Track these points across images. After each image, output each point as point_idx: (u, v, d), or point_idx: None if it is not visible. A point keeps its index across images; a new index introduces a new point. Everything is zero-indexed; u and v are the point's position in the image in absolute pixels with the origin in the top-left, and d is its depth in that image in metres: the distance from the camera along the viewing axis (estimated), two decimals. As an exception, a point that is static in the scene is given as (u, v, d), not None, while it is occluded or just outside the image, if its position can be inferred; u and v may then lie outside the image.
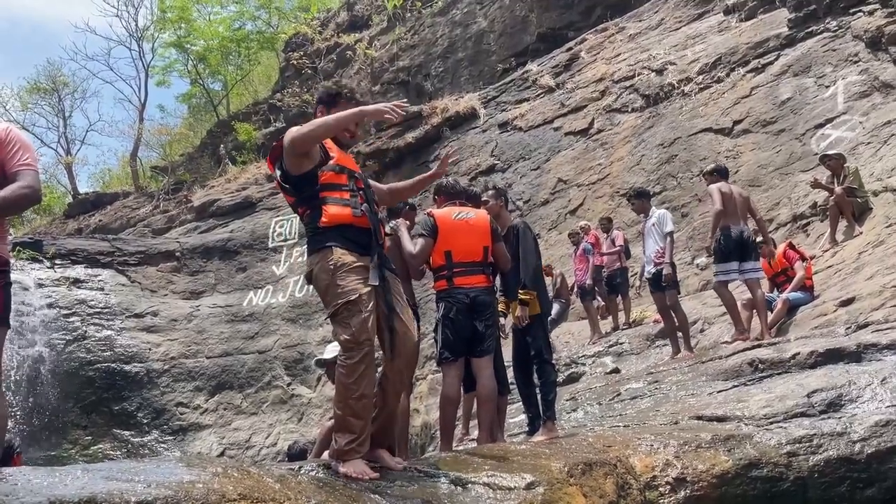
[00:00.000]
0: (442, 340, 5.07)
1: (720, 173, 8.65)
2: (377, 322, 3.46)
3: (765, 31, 13.93)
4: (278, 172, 3.66)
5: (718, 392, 5.79)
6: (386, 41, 22.23)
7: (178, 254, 17.49)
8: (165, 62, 29.94)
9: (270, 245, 17.71)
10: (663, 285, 8.53)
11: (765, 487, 3.95)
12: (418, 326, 5.24)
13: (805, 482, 4.00)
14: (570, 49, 17.49)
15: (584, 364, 9.70)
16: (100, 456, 13.60)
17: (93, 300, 15.78)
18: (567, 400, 7.42)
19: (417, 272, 5.27)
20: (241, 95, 28.90)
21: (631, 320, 11.31)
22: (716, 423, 4.68)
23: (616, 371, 8.95)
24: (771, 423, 4.45)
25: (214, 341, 15.83)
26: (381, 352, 3.63)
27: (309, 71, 23.08)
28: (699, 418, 4.89)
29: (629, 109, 15.12)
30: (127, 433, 14.41)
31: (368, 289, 3.43)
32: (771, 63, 13.36)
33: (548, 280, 10.75)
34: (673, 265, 8.58)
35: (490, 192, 5.77)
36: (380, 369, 3.66)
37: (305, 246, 3.72)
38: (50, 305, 15.19)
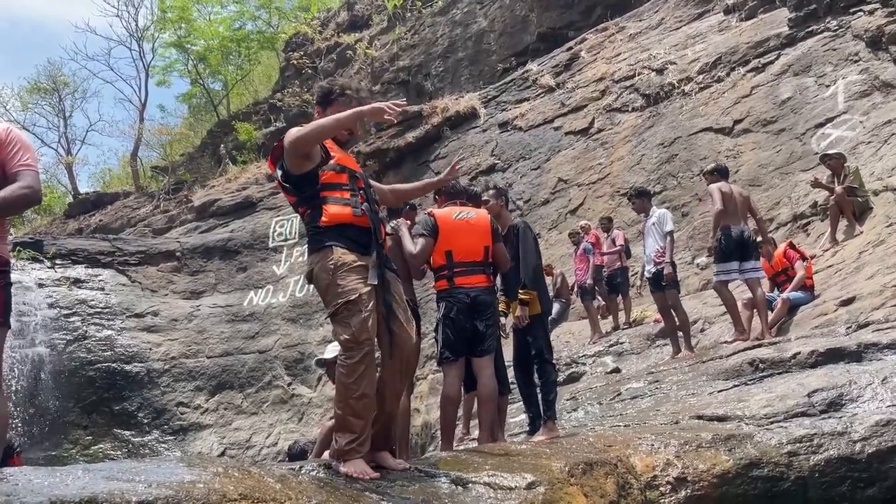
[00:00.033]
0: (442, 340, 5.07)
1: (720, 173, 8.65)
2: (377, 322, 3.46)
3: (765, 30, 13.93)
4: (279, 172, 3.66)
5: (719, 392, 5.79)
6: (386, 41, 22.23)
7: (178, 254, 17.49)
8: (166, 62, 30.01)
9: (271, 245, 17.72)
10: (663, 285, 8.54)
11: (765, 487, 3.95)
12: (419, 326, 5.26)
13: (806, 482, 4.00)
14: (571, 49, 17.49)
15: (584, 364, 9.70)
16: (100, 456, 13.60)
17: (93, 300, 15.79)
18: (567, 399, 7.42)
19: (418, 272, 5.27)
20: (241, 95, 28.92)
21: (631, 320, 11.31)
22: (716, 423, 4.68)
23: (616, 371, 8.95)
24: (771, 422, 4.45)
25: (215, 341, 15.84)
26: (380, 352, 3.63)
27: (309, 71, 23.08)
28: (700, 418, 4.89)
29: (629, 109, 15.12)
30: (127, 433, 14.42)
31: (369, 288, 3.43)
32: (771, 62, 13.36)
33: (548, 280, 10.75)
34: (673, 264, 8.58)
35: (491, 192, 5.77)
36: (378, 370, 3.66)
37: (306, 246, 3.72)
38: (50, 305, 15.20)
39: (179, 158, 26.03)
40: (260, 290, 16.84)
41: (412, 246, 5.13)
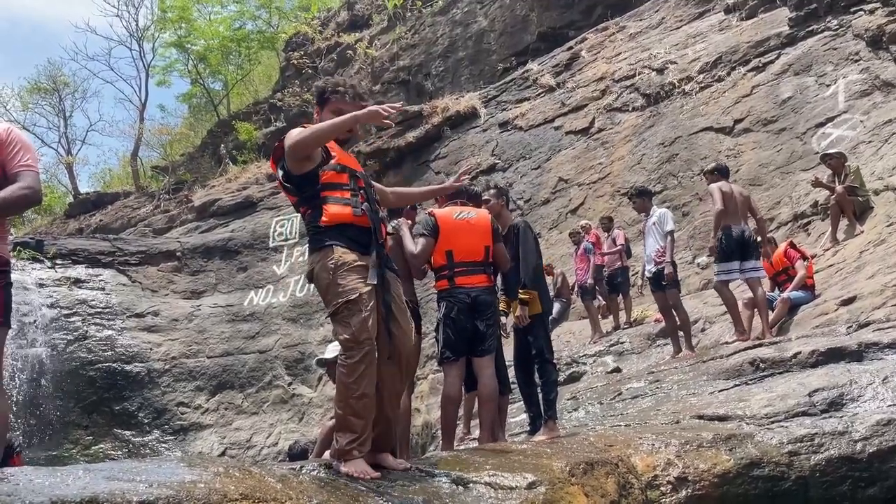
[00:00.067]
0: (443, 340, 5.07)
1: (721, 172, 8.65)
2: (377, 322, 3.46)
3: (765, 29, 13.92)
4: (280, 172, 3.66)
5: (720, 391, 5.78)
6: (386, 41, 22.24)
7: (178, 253, 17.50)
8: (166, 62, 30.02)
9: (271, 245, 17.72)
10: (664, 284, 8.54)
11: (766, 487, 3.95)
12: (419, 326, 5.26)
13: (806, 481, 4.00)
14: (571, 48, 17.49)
15: (585, 363, 9.70)
16: (101, 456, 13.61)
17: (94, 300, 15.80)
18: (568, 399, 7.42)
19: (419, 272, 5.27)
20: (241, 95, 28.92)
21: (632, 319, 11.32)
22: (717, 423, 4.68)
23: (617, 370, 8.96)
24: (772, 422, 4.45)
25: (215, 341, 15.84)
26: None
27: (309, 70, 23.08)
28: (700, 417, 4.89)
29: (630, 108, 15.12)
30: (128, 433, 14.42)
31: (369, 288, 3.43)
32: (772, 62, 13.36)
33: (548, 279, 10.75)
34: (674, 264, 8.59)
35: (491, 192, 5.77)
36: None
37: (306, 245, 3.72)
38: (51, 305, 15.20)
39: (180, 158, 26.04)
40: (260, 290, 16.85)
41: (413, 246, 5.13)
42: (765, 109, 12.82)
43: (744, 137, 12.87)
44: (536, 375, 5.53)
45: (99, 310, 15.65)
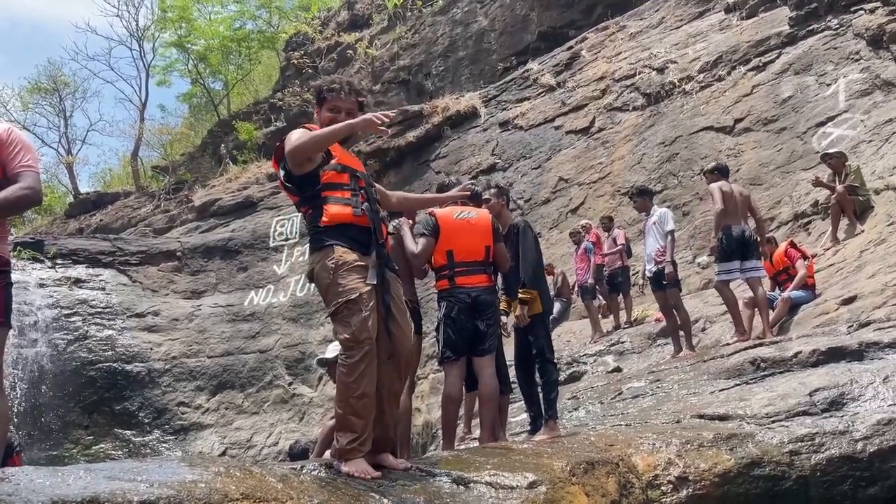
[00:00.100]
0: (444, 340, 5.07)
1: (721, 172, 8.65)
2: (377, 322, 3.47)
3: (766, 29, 13.92)
4: (282, 172, 3.67)
5: (720, 391, 5.78)
6: (386, 40, 22.23)
7: (179, 253, 17.50)
8: (166, 62, 30.00)
9: (271, 244, 17.73)
10: (665, 284, 8.54)
11: (767, 486, 3.95)
12: (420, 326, 5.27)
13: (807, 481, 4.00)
14: (571, 48, 17.48)
15: (585, 363, 9.71)
16: (101, 456, 13.62)
17: (94, 300, 15.80)
18: (569, 399, 7.42)
19: (420, 271, 5.28)
20: (241, 95, 28.91)
21: (632, 319, 11.31)
22: (718, 422, 4.68)
23: (618, 370, 8.96)
24: (773, 421, 4.45)
25: (216, 341, 15.85)
26: None
27: (310, 70, 23.07)
28: (701, 417, 4.89)
29: (630, 108, 15.11)
30: (128, 433, 14.43)
31: (369, 288, 3.44)
32: (772, 61, 13.35)
33: (549, 279, 10.75)
34: (674, 263, 8.60)
35: (492, 191, 5.77)
36: None
37: (307, 245, 3.73)
38: (51, 305, 15.21)
39: (180, 158, 26.03)
40: (261, 290, 16.85)
41: (414, 245, 5.14)
42: (765, 109, 12.82)
43: (744, 137, 12.86)
44: (537, 375, 5.53)
45: (99, 310, 15.65)
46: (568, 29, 18.77)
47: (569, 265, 12.59)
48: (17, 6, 60.24)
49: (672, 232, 8.64)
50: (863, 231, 9.37)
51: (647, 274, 9.12)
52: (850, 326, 6.78)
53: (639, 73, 15.37)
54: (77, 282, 16.01)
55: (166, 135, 30.20)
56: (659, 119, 14.42)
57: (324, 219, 3.53)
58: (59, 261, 16.35)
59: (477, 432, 5.91)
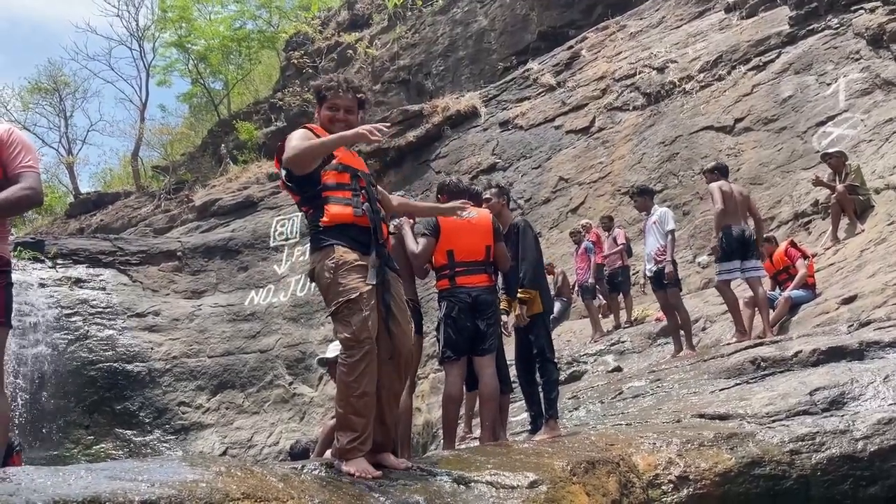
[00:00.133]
0: (444, 339, 5.08)
1: (720, 171, 8.66)
2: (377, 321, 3.48)
3: (766, 28, 13.92)
4: (283, 172, 3.68)
5: (721, 390, 5.78)
6: (387, 40, 22.23)
7: (179, 253, 17.51)
8: (166, 62, 30.01)
9: (272, 244, 17.73)
10: (665, 283, 8.55)
11: (767, 486, 3.95)
12: (421, 325, 5.27)
13: (808, 480, 4.00)
14: (571, 47, 17.48)
15: (585, 362, 9.71)
16: (102, 455, 13.63)
17: (95, 300, 15.81)
18: (569, 398, 7.42)
19: (421, 271, 5.28)
20: (241, 95, 28.90)
21: (632, 318, 11.32)
22: (718, 422, 4.68)
23: (618, 369, 8.96)
24: (773, 421, 4.45)
25: (216, 340, 15.85)
26: None
27: (310, 70, 23.06)
28: (702, 416, 4.89)
29: (630, 108, 15.11)
30: (129, 433, 14.44)
31: (369, 287, 3.44)
32: (772, 61, 13.35)
33: (549, 278, 10.75)
34: (674, 263, 8.61)
35: (493, 191, 5.78)
36: None
37: (307, 245, 3.74)
38: (52, 305, 15.21)
39: (180, 158, 26.03)
40: (261, 290, 16.86)
41: (414, 245, 5.14)
42: (765, 108, 12.82)
43: (744, 136, 12.86)
44: (538, 374, 5.53)
45: (100, 309, 15.66)
46: (568, 28, 18.77)
47: (569, 265, 12.59)
48: (17, 6, 60.27)
49: (672, 231, 8.64)
50: (863, 230, 9.37)
51: (648, 273, 9.13)
52: (850, 326, 6.78)
53: (639, 73, 15.37)
54: (78, 282, 16.02)
55: (167, 135, 30.20)
56: (659, 119, 14.42)
57: (324, 219, 3.54)
58: (59, 261, 16.36)
59: (477, 432, 5.91)
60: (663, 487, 3.75)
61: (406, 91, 21.06)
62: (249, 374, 15.47)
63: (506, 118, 16.97)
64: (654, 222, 8.74)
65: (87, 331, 15.17)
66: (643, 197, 9.04)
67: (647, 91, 14.94)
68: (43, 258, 16.26)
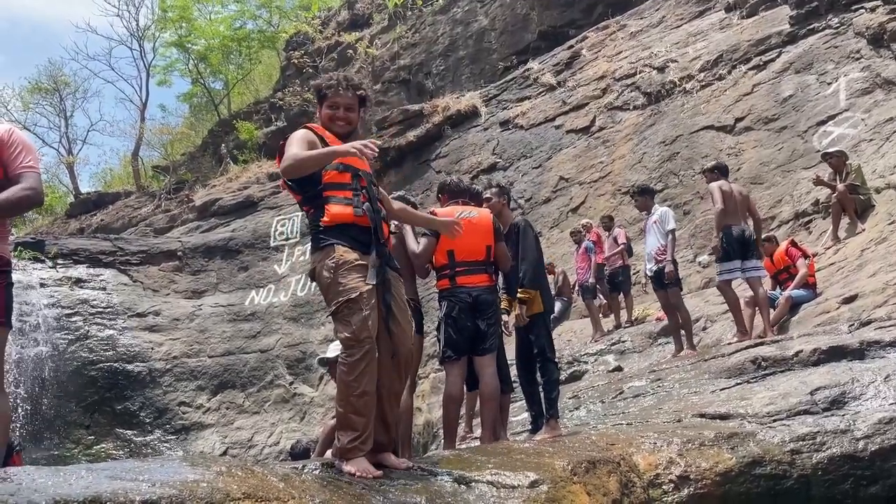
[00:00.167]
0: (444, 339, 5.08)
1: (720, 171, 8.67)
2: (378, 321, 3.48)
3: (766, 28, 13.91)
4: (284, 172, 3.68)
5: (721, 390, 5.78)
6: (387, 40, 22.23)
7: (179, 253, 17.50)
8: (166, 62, 29.98)
9: (272, 244, 17.73)
10: (665, 283, 8.55)
11: (768, 485, 3.95)
12: (421, 325, 5.27)
13: (808, 480, 4.00)
14: (572, 47, 17.47)
15: (586, 362, 9.71)
16: (102, 455, 13.63)
17: (95, 300, 15.80)
18: (570, 398, 7.42)
19: (422, 270, 5.28)
20: (242, 94, 28.89)
21: (633, 318, 11.31)
22: (719, 421, 4.68)
23: (619, 369, 8.96)
24: (774, 420, 4.45)
25: (216, 340, 15.85)
26: None
27: (310, 70, 23.06)
28: (702, 416, 4.89)
29: (631, 107, 15.10)
30: (129, 432, 14.44)
31: (369, 287, 3.44)
32: (773, 60, 13.34)
33: (550, 278, 10.75)
34: (674, 262, 8.61)
35: (493, 190, 5.78)
36: None
37: (307, 245, 3.75)
38: (52, 305, 15.21)
39: (180, 158, 26.02)
40: (261, 290, 16.85)
41: (415, 245, 5.14)
42: (766, 108, 12.82)
43: (745, 136, 12.86)
44: (538, 374, 5.53)
45: (100, 309, 15.65)
46: (568, 28, 18.76)
47: (569, 264, 12.59)
48: (17, 6, 60.24)
49: (673, 231, 8.65)
50: (864, 230, 9.37)
51: (648, 273, 9.14)
52: (851, 325, 6.78)
53: (639, 73, 15.37)
54: (78, 282, 16.01)
55: (167, 134, 30.18)
56: (659, 118, 14.42)
57: (325, 218, 3.55)
58: (59, 261, 16.35)
59: (478, 431, 5.91)
60: (664, 487, 3.75)
61: (406, 91, 21.05)
62: (250, 374, 15.47)
63: (506, 118, 16.96)
64: (655, 222, 8.75)
65: (88, 331, 15.16)
66: (644, 196, 9.05)
67: (648, 90, 14.93)
68: (43, 258, 16.25)
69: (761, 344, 7.04)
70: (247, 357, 15.68)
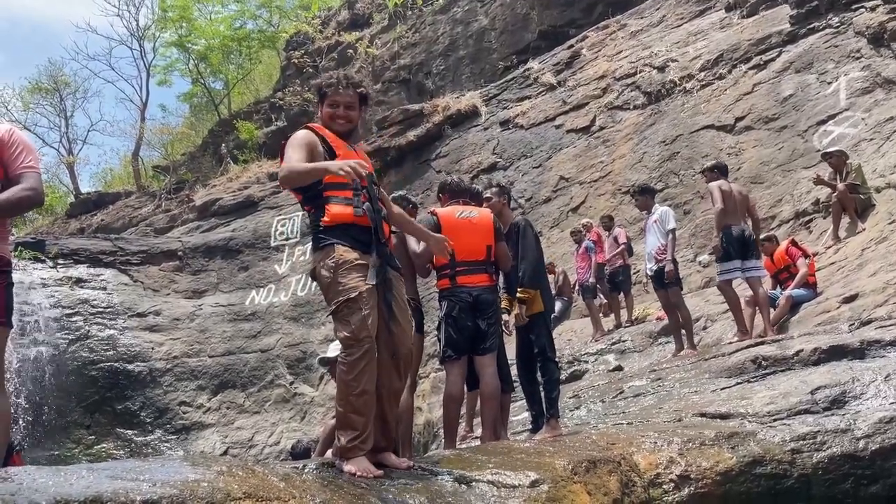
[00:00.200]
0: (445, 339, 5.08)
1: (720, 170, 8.68)
2: (378, 320, 3.48)
3: (766, 27, 13.91)
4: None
5: (722, 389, 5.78)
6: (387, 39, 22.22)
7: (180, 253, 17.50)
8: (167, 61, 29.96)
9: (272, 244, 17.72)
10: (666, 282, 8.55)
11: (769, 485, 3.95)
12: (422, 324, 5.27)
13: (809, 479, 4.00)
14: (572, 46, 17.47)
15: (586, 362, 9.71)
16: (103, 455, 13.62)
17: (95, 300, 15.80)
18: (570, 398, 7.42)
19: (423, 270, 5.29)
20: (242, 94, 28.88)
21: (633, 318, 11.31)
22: (719, 421, 4.68)
23: (619, 368, 8.96)
24: (775, 420, 4.45)
25: (217, 340, 15.85)
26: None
27: (310, 69, 23.06)
28: (703, 415, 4.89)
29: (631, 107, 15.10)
30: (130, 432, 14.43)
31: (369, 286, 3.45)
32: (773, 60, 13.34)
33: (550, 278, 10.75)
34: (675, 262, 8.61)
35: (493, 190, 5.78)
36: None
37: (307, 244, 3.76)
38: (53, 305, 15.20)
39: (181, 158, 26.01)
40: (262, 289, 16.85)
41: (416, 244, 5.15)
42: (766, 107, 12.81)
43: (745, 135, 12.86)
44: (539, 373, 5.53)
45: (101, 309, 15.65)
46: (568, 28, 18.75)
47: (570, 264, 12.59)
48: (17, 6, 60.23)
49: (673, 230, 8.65)
50: (864, 229, 9.37)
51: (649, 272, 9.14)
52: (851, 325, 6.78)
53: (639, 72, 15.36)
54: (78, 282, 16.01)
55: (167, 134, 30.16)
56: (660, 118, 14.41)
57: (325, 218, 3.56)
58: (60, 261, 16.35)
59: (478, 431, 5.92)
60: (664, 486, 3.75)
61: (406, 90, 21.05)
62: (250, 373, 15.47)
63: (506, 117, 16.96)
64: (655, 221, 8.75)
65: (88, 331, 15.16)
66: (644, 196, 9.05)
67: (648, 90, 14.93)
68: (44, 258, 16.25)
69: (762, 343, 7.04)
70: (247, 357, 15.67)
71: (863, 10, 12.32)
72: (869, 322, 6.61)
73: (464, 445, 5.67)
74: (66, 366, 14.52)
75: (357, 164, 3.33)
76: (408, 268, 4.95)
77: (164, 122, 32.01)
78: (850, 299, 7.64)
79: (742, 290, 8.65)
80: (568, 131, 15.79)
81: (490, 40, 20.13)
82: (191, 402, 14.97)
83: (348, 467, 3.24)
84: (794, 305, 8.58)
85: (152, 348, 15.41)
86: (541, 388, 5.49)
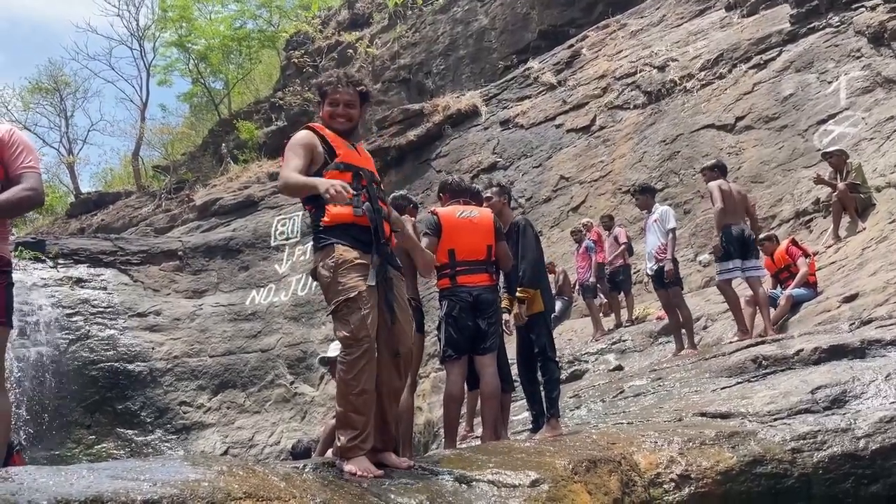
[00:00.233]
0: (445, 338, 5.08)
1: (719, 169, 8.68)
2: (378, 320, 3.48)
3: (767, 27, 13.91)
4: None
5: (722, 389, 5.78)
6: (387, 39, 22.22)
7: (180, 253, 17.50)
8: (167, 61, 29.95)
9: (273, 244, 17.72)
10: (666, 282, 8.55)
11: (769, 484, 3.95)
12: (422, 324, 5.27)
13: (809, 479, 4.00)
14: (572, 46, 17.47)
15: (587, 361, 9.71)
16: (104, 455, 13.62)
17: (96, 300, 15.80)
18: (570, 397, 7.42)
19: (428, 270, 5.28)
20: (242, 94, 28.87)
21: (633, 317, 11.31)
22: (720, 420, 4.68)
23: (619, 368, 8.96)
24: (775, 419, 4.45)
25: (217, 340, 15.85)
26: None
27: (310, 69, 23.06)
28: (703, 415, 4.89)
29: (631, 106, 15.10)
30: (130, 432, 14.43)
31: (368, 286, 3.45)
32: (773, 59, 13.34)
33: (550, 277, 10.75)
34: (675, 261, 8.61)
35: (494, 189, 5.79)
36: None
37: (308, 244, 3.76)
38: (53, 305, 15.20)
39: (181, 158, 26.01)
40: (262, 289, 16.85)
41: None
42: (766, 107, 12.81)
43: (745, 135, 12.85)
44: (539, 373, 5.53)
45: (101, 309, 15.65)
46: (569, 27, 18.76)
47: (570, 263, 12.59)
48: (17, 6, 60.22)
49: (673, 230, 8.65)
50: (864, 229, 9.37)
51: (649, 272, 9.14)
52: (851, 324, 6.78)
53: (640, 72, 15.36)
54: (79, 281, 16.01)
55: (167, 134, 30.16)
56: (660, 117, 14.41)
57: (325, 218, 3.57)
58: (60, 261, 16.35)
59: (479, 431, 5.92)
60: (665, 486, 3.75)
61: (406, 90, 21.05)
62: (251, 373, 15.47)
63: (506, 117, 16.96)
64: (655, 220, 8.75)
65: (89, 331, 15.16)
66: (644, 195, 9.05)
67: (648, 89, 14.93)
68: (44, 258, 16.25)
69: (762, 343, 7.04)
70: (247, 357, 15.68)
71: (863, 9, 12.32)
72: (869, 321, 6.61)
73: (464, 445, 5.67)
74: (66, 366, 14.52)
75: (342, 187, 3.32)
76: (408, 267, 4.95)
77: (165, 122, 32.04)
78: (851, 299, 7.64)
79: (742, 290, 8.65)
80: (568, 131, 15.79)
81: (490, 40, 20.13)
82: (191, 402, 14.97)
83: (348, 467, 3.24)
84: (795, 305, 8.58)
85: (153, 348, 15.41)
86: (541, 388, 5.49)
